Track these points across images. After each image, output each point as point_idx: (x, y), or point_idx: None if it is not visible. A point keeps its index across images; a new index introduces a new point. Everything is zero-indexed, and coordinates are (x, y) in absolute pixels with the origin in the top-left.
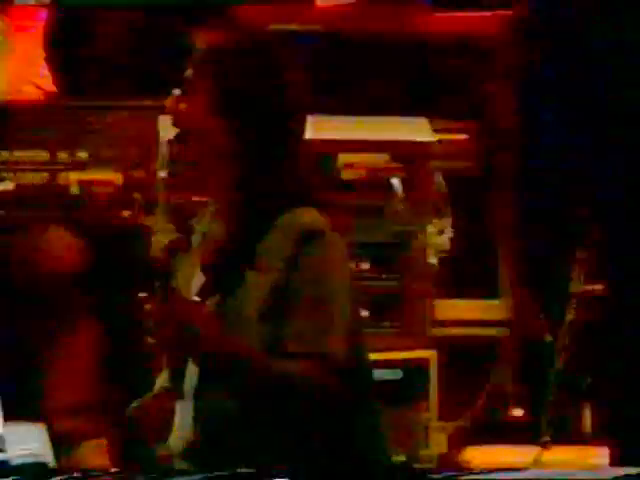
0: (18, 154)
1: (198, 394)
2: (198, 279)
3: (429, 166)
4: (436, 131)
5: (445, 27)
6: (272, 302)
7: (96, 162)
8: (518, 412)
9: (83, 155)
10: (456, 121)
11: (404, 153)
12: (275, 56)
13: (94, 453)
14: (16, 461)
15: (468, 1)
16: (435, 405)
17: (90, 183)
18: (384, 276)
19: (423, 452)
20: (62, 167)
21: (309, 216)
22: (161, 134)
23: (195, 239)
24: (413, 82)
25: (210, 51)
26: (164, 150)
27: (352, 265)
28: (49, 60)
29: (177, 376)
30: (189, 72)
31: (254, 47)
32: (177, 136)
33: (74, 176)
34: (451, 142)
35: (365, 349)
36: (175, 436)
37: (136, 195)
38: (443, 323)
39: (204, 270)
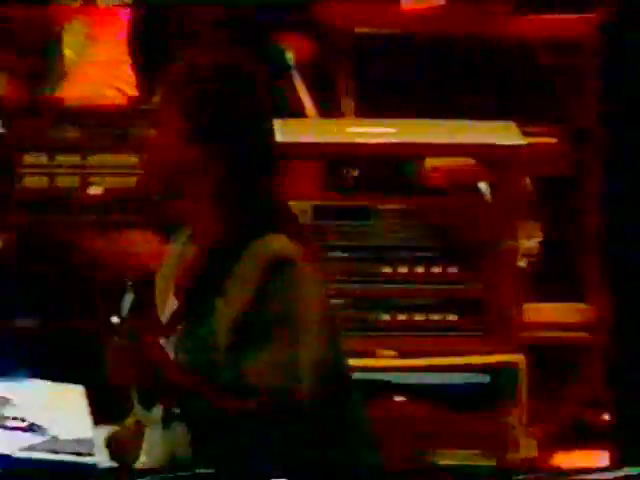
0: (107, 158)
1: (165, 420)
2: (171, 302)
3: (518, 170)
4: (524, 134)
5: (532, 30)
6: (239, 332)
7: None
8: (606, 416)
9: None
10: (543, 124)
11: (493, 157)
12: (245, 77)
13: None
14: (105, 465)
15: (554, 3)
16: (524, 409)
17: None
18: (472, 280)
19: (513, 456)
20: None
21: (279, 244)
22: None
23: (171, 260)
24: (500, 85)
25: (177, 80)
26: None
27: (325, 291)
28: (134, 62)
29: (145, 402)
30: (157, 101)
31: (221, 70)
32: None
33: None
34: (539, 145)
35: (344, 363)
36: (142, 461)
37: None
38: (530, 326)
39: (177, 294)
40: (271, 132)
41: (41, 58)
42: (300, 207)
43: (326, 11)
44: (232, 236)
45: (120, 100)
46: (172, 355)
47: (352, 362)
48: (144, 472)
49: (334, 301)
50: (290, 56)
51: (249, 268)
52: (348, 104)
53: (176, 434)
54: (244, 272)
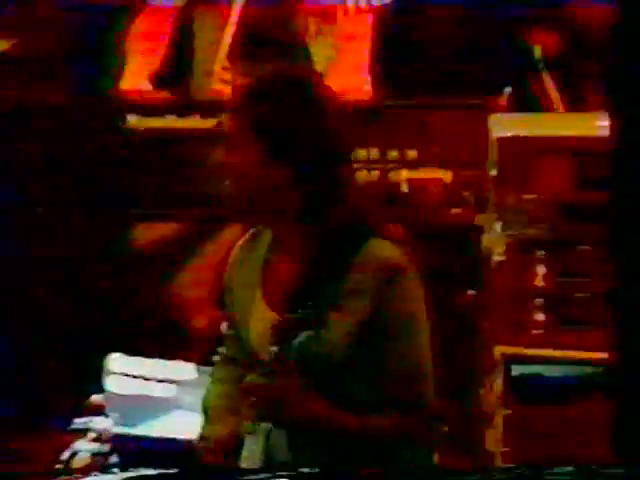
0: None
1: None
2: (263, 313)
3: None
4: None
5: None
6: (361, 341)
7: (425, 160)
8: None
9: (413, 154)
10: None
11: None
12: (315, 90)
13: None
14: None
15: None
16: None
17: (420, 181)
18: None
19: None
20: (393, 165)
21: (387, 252)
22: (492, 133)
23: (248, 267)
24: None
25: (246, 100)
26: (494, 149)
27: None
28: (377, 62)
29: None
30: (229, 122)
31: (292, 84)
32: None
33: (404, 174)
34: None
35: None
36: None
37: (466, 194)
38: None
39: (272, 305)
40: (339, 138)
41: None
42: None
43: (577, 8)
44: (333, 248)
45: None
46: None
47: None
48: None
49: None
50: (538, 51)
51: (362, 278)
52: (595, 99)
53: (278, 442)
54: (357, 282)
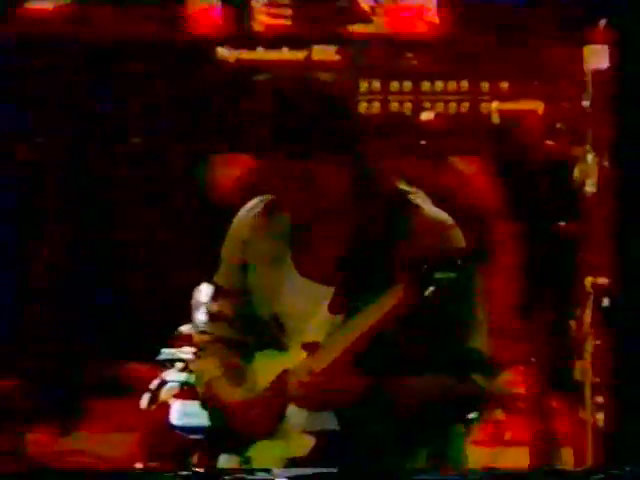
0: (440, 84)
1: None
2: (302, 286)
3: None
4: None
5: None
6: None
7: (518, 92)
8: None
9: (504, 85)
10: None
11: None
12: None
13: (515, 379)
14: None
15: None
16: None
17: (512, 113)
18: None
19: None
20: (484, 97)
21: (438, 215)
22: (586, 64)
23: (274, 237)
24: None
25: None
26: (590, 80)
27: None
28: None
29: None
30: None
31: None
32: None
33: (495, 105)
34: None
35: None
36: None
37: (560, 125)
38: None
39: (320, 280)
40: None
41: None
42: None
43: None
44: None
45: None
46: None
47: None
48: None
49: None
50: None
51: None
52: None
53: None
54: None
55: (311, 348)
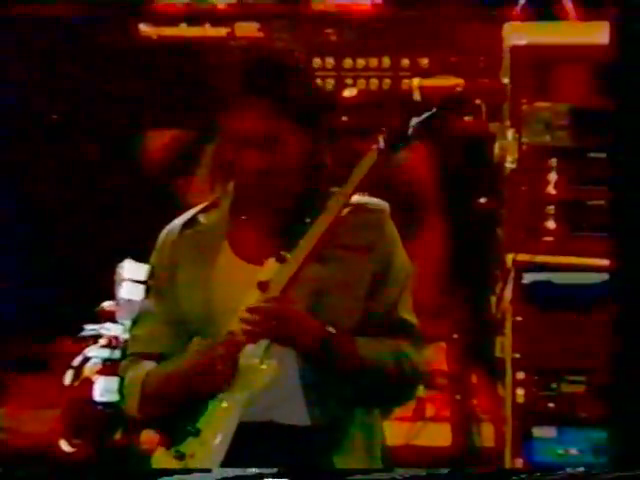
0: (361, 61)
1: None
2: (246, 271)
3: None
4: None
5: None
6: (374, 272)
7: (438, 69)
8: None
9: (424, 62)
10: None
11: None
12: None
13: (433, 356)
14: None
15: None
16: None
17: (432, 89)
18: None
19: None
20: (405, 74)
21: (372, 198)
22: (505, 41)
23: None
24: None
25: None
26: (507, 57)
27: None
28: None
29: None
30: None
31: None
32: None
33: (417, 82)
34: None
35: None
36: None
37: (478, 101)
38: None
39: (268, 235)
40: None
41: None
42: None
43: None
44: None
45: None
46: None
47: None
48: None
49: None
50: None
51: (362, 220)
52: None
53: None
54: (357, 224)
55: (264, 286)
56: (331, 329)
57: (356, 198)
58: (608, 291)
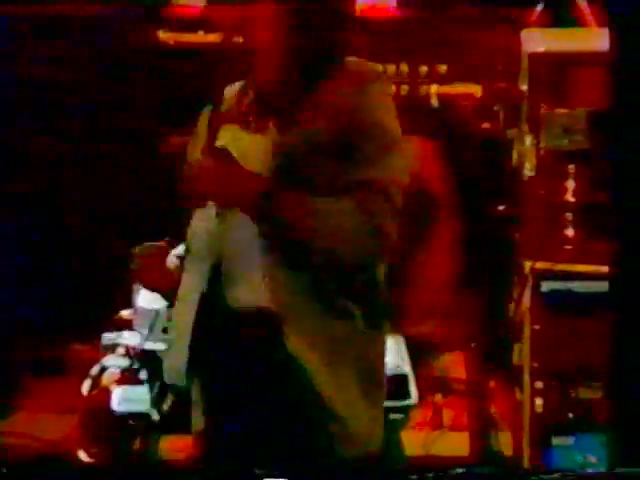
0: (379, 67)
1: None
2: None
3: None
4: None
5: None
6: (343, 129)
7: (456, 74)
8: None
9: (443, 68)
10: None
11: None
12: None
13: (454, 363)
14: None
15: None
16: None
17: (451, 95)
18: None
19: None
20: (423, 80)
21: (367, 64)
22: (524, 47)
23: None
24: None
25: None
26: (525, 63)
27: None
28: None
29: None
30: None
31: None
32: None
33: (435, 88)
34: None
35: None
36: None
37: (497, 107)
38: None
39: (259, 100)
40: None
41: None
42: None
43: None
44: (319, 58)
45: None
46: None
47: None
48: None
49: None
50: None
51: (351, 79)
52: None
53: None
54: (347, 82)
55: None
56: (269, 180)
57: (353, 62)
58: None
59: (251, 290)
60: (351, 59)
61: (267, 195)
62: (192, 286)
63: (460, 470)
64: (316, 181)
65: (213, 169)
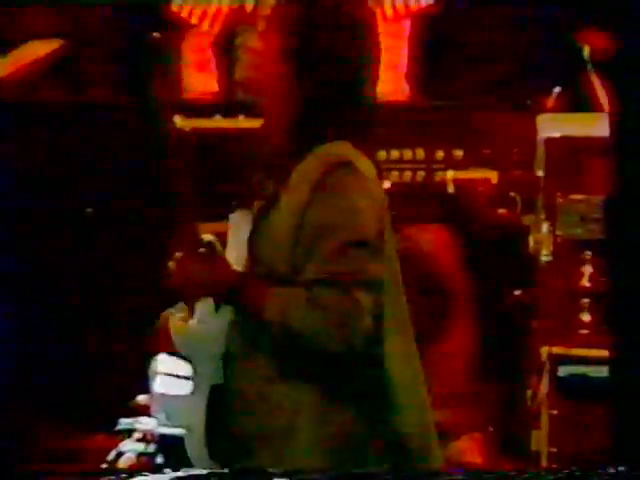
0: (395, 153)
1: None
2: None
3: None
4: None
5: None
6: (297, 224)
7: (472, 160)
8: None
9: (459, 153)
10: None
11: None
12: (346, 14)
13: (470, 447)
14: None
15: None
16: None
17: (467, 181)
18: None
19: None
20: (439, 165)
21: (342, 148)
22: (540, 133)
23: None
24: None
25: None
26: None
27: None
28: (421, 63)
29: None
30: (266, 12)
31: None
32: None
33: (451, 174)
34: None
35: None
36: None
37: (513, 194)
38: None
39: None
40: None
41: None
42: None
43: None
44: (299, 140)
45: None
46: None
47: None
48: None
49: None
50: (586, 52)
51: (311, 166)
52: None
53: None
54: (306, 169)
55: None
56: (239, 271)
57: (324, 147)
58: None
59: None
60: (334, 144)
61: (237, 288)
62: (202, 377)
63: None
64: (283, 273)
65: (192, 263)
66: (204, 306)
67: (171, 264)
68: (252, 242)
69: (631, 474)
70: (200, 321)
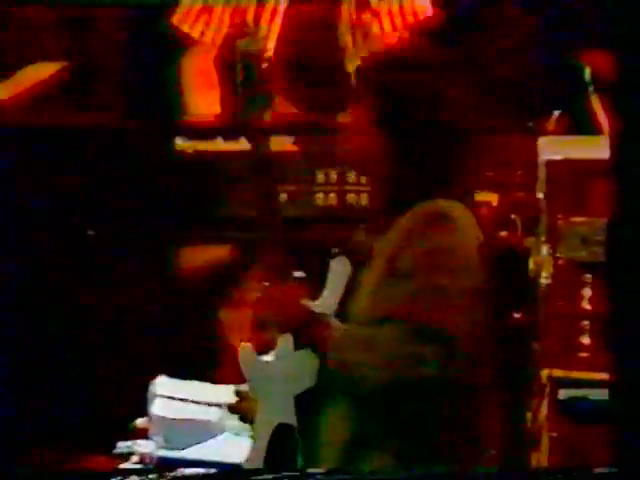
0: None
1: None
2: None
3: None
4: None
5: None
6: (387, 272)
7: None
8: None
9: None
10: None
11: None
12: (437, 74)
13: None
14: None
15: None
16: None
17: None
18: None
19: None
20: None
21: (441, 201)
22: (541, 156)
23: None
24: None
25: (374, 67)
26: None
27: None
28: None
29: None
30: (354, 85)
31: (418, 64)
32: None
33: None
34: None
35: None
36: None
37: (514, 216)
38: None
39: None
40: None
41: None
42: None
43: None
44: (400, 199)
45: None
46: None
47: None
48: None
49: None
50: (588, 73)
51: (408, 220)
52: None
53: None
54: (403, 223)
55: None
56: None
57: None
58: None
59: None
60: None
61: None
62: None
63: None
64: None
65: (280, 294)
66: (285, 342)
67: (256, 293)
68: (348, 293)
69: None
70: (279, 357)
